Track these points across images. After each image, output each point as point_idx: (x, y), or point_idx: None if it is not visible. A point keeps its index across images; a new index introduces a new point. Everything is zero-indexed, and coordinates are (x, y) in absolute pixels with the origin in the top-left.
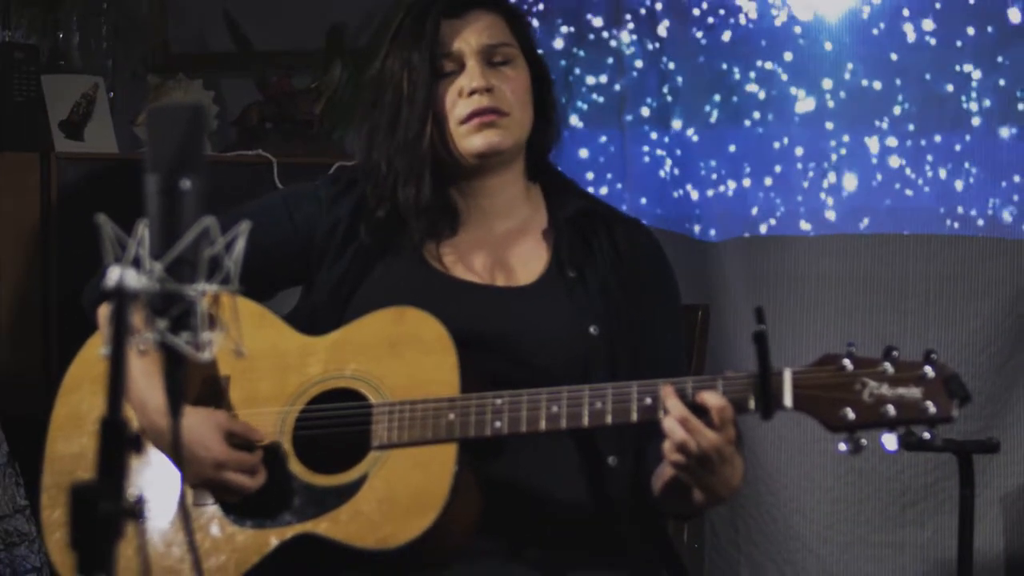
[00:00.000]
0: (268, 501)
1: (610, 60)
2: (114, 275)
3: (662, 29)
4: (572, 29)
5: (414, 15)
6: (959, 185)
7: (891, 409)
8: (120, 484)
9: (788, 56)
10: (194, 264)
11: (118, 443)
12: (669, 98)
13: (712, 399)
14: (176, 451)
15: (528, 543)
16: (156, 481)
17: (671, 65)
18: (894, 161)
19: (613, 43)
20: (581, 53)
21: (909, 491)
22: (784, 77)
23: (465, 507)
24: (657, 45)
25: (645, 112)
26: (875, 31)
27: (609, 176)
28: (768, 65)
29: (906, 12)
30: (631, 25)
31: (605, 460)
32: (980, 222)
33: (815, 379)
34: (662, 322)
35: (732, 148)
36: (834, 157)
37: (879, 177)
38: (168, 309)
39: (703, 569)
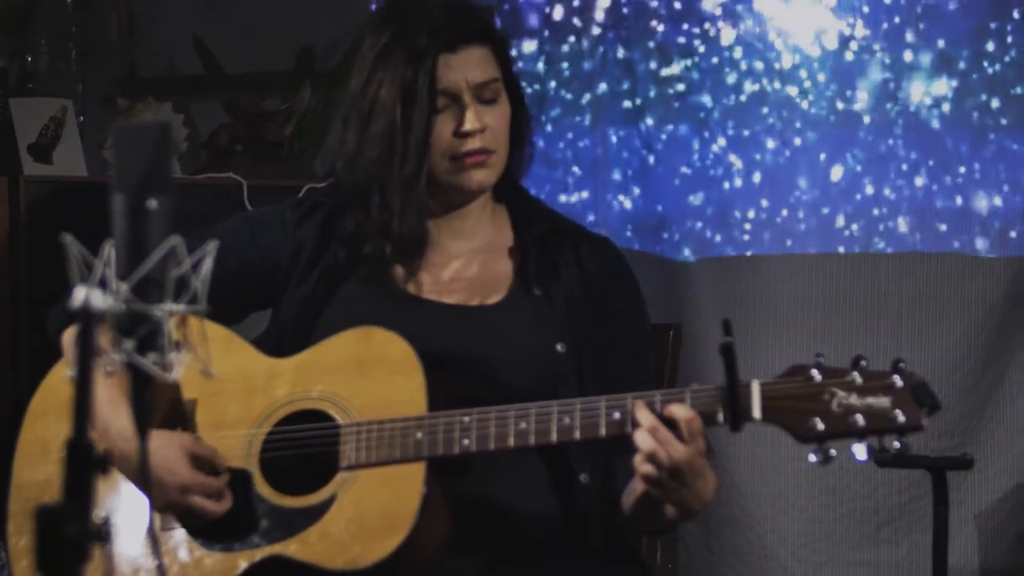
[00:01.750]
0: (236, 524)
1: (586, 66)
2: (80, 295)
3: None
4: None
5: (406, 43)
6: (934, 203)
7: (860, 419)
8: (86, 506)
9: (760, 67)
10: (161, 284)
11: (84, 464)
12: (640, 112)
13: (680, 411)
14: (143, 474)
15: (499, 561)
16: (123, 506)
17: (642, 77)
18: (864, 180)
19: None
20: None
21: (883, 509)
22: (754, 90)
23: (435, 526)
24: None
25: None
26: (844, 52)
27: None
28: (740, 78)
29: (862, 31)
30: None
31: (577, 477)
32: (955, 242)
33: (783, 390)
34: (630, 340)
35: (702, 165)
36: (803, 179)
37: (850, 195)
38: (134, 329)
39: None
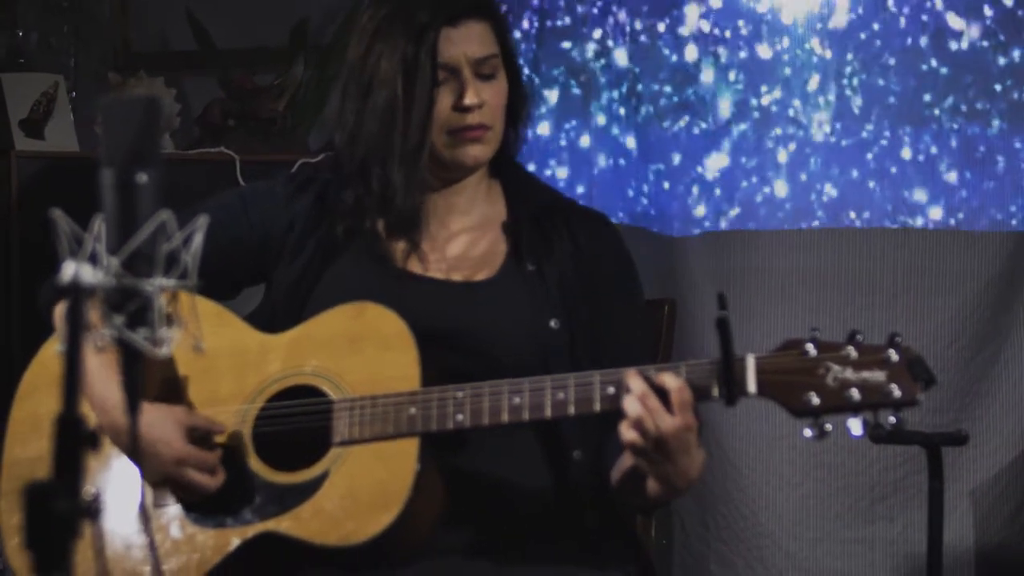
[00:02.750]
0: (229, 500)
1: (574, 53)
2: (69, 270)
3: (624, 27)
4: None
5: (407, 17)
6: (927, 178)
7: (855, 393)
8: (76, 482)
9: (759, 49)
10: (151, 259)
11: (74, 440)
12: (630, 94)
13: (671, 380)
14: (134, 449)
15: (493, 538)
16: (115, 482)
17: (632, 60)
18: (862, 154)
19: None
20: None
21: (878, 486)
22: (749, 69)
23: (428, 502)
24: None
25: (606, 107)
26: (833, 23)
27: (567, 171)
28: (739, 55)
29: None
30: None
31: (570, 454)
32: (950, 218)
33: (778, 364)
34: (624, 316)
35: (697, 140)
36: (799, 149)
37: (847, 171)
38: (125, 305)
39: (672, 565)
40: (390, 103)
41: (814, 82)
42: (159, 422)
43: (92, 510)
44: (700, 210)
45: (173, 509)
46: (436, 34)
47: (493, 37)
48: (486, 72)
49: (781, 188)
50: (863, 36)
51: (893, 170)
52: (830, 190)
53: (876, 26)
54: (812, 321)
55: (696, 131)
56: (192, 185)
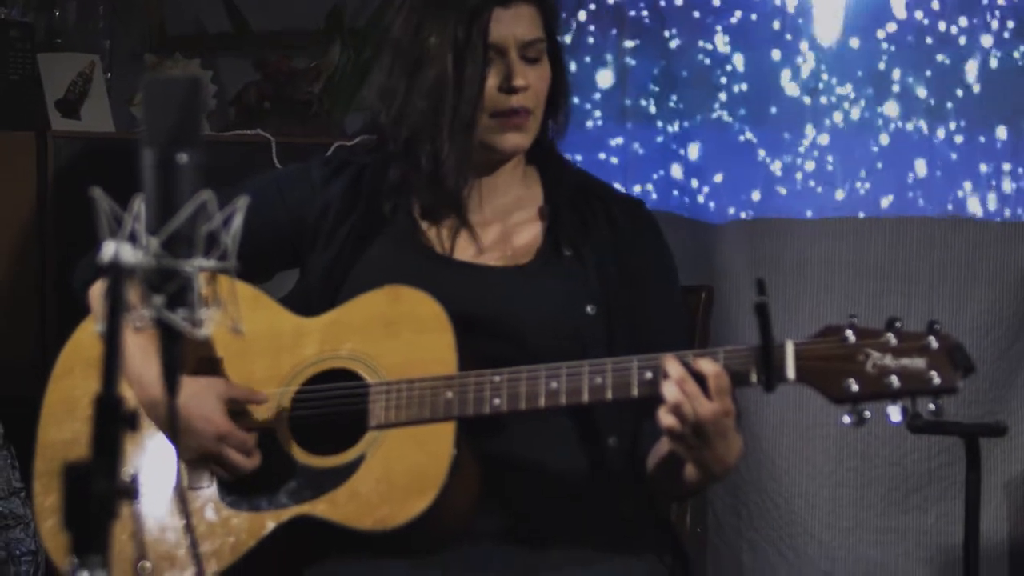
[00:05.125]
0: (264, 483)
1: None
2: (109, 250)
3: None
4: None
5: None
6: (964, 170)
7: (895, 380)
8: (115, 463)
9: (790, 39)
10: (191, 239)
11: (113, 421)
12: (669, 87)
13: (708, 366)
14: (173, 429)
15: (527, 523)
16: (151, 464)
17: (671, 49)
18: (899, 145)
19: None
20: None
21: (912, 476)
22: (780, 59)
23: (464, 487)
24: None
25: (645, 99)
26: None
27: (614, 160)
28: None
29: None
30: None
31: (606, 441)
32: (989, 206)
33: (818, 351)
34: (660, 301)
35: (737, 130)
36: (833, 140)
37: (883, 162)
38: (164, 285)
39: (706, 554)
40: (441, 80)
41: (854, 72)
42: (199, 396)
43: (130, 492)
44: (739, 196)
45: (208, 491)
46: (489, 13)
47: (541, 22)
48: (532, 56)
49: (819, 176)
50: (910, 38)
51: (931, 162)
52: (867, 180)
53: (925, 20)
54: (848, 309)
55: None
56: (228, 167)
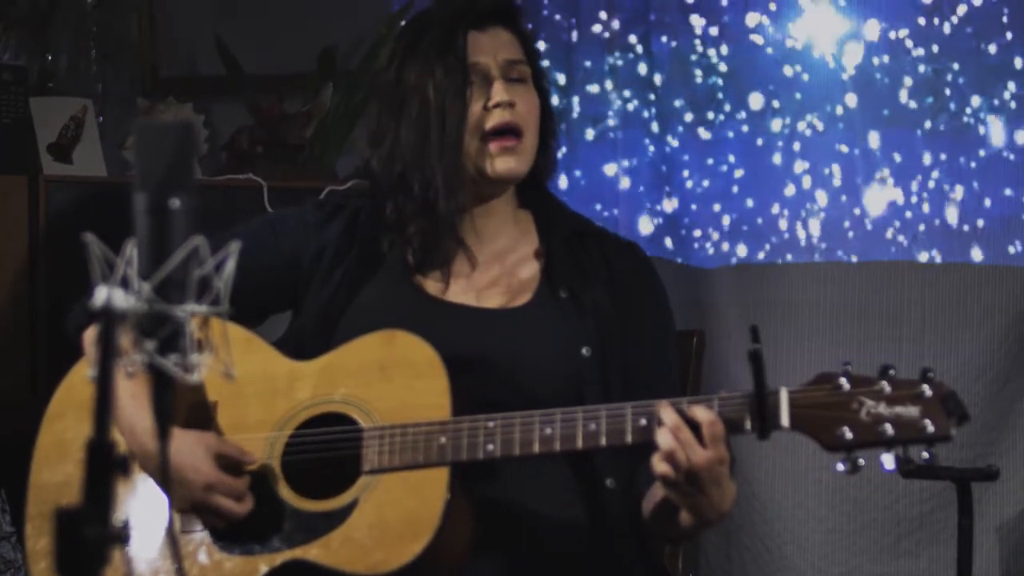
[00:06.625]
0: (257, 527)
1: (607, 84)
2: (101, 295)
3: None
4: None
5: (433, 30)
6: (953, 211)
7: (889, 428)
8: (106, 508)
9: (786, 79)
10: (183, 284)
11: (105, 466)
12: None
13: (703, 414)
14: (164, 474)
15: (523, 566)
16: (143, 508)
17: (664, 84)
18: (889, 188)
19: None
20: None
21: (904, 521)
22: (776, 105)
23: (458, 531)
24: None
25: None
26: (871, 59)
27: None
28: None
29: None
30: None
31: (603, 482)
32: (976, 248)
33: (811, 398)
34: (655, 344)
35: (725, 171)
36: (829, 178)
37: (873, 204)
38: (156, 330)
39: None
40: (423, 108)
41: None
42: (189, 448)
43: (122, 537)
44: (727, 242)
45: (200, 535)
46: (464, 37)
47: (520, 47)
48: (515, 76)
49: (809, 223)
50: (879, 75)
51: (920, 202)
52: (857, 224)
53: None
54: (839, 354)
55: (726, 164)
56: (219, 211)
